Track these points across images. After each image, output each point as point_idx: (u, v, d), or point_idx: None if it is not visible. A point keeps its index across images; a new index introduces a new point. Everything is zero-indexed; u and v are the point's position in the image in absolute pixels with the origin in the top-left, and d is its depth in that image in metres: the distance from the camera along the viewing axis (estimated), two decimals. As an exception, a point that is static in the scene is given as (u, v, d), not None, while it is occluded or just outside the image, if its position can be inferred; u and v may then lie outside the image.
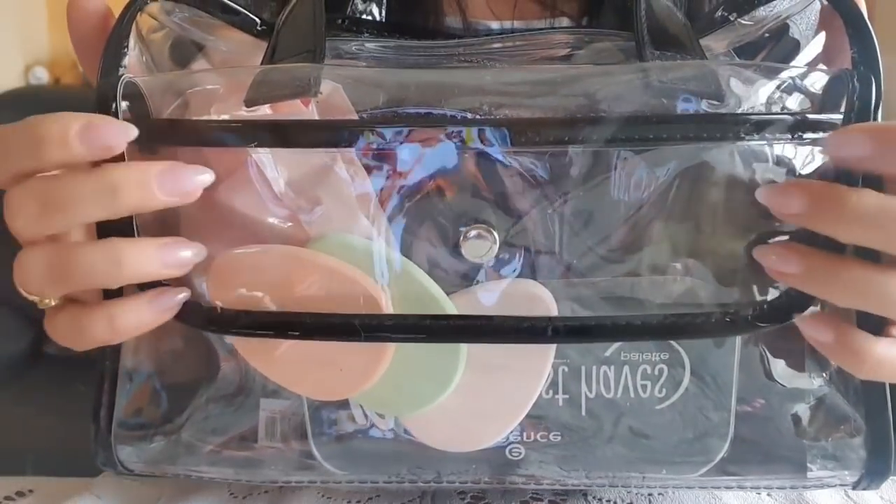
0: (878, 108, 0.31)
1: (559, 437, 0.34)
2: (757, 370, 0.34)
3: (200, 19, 0.36)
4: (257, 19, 0.36)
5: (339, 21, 0.38)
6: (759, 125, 0.29)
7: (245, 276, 0.30)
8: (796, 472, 0.34)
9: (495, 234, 0.31)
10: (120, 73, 0.32)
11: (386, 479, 0.36)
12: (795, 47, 0.36)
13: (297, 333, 0.30)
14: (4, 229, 0.32)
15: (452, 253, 0.31)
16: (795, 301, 0.30)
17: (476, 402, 0.33)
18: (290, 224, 0.31)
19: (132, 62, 0.34)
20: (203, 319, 0.31)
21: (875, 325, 0.30)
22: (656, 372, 0.33)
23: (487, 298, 0.31)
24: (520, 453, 0.34)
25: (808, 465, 0.34)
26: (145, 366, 0.36)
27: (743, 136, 0.29)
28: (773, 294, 0.31)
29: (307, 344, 0.31)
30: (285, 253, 0.30)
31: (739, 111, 0.31)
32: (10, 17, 1.66)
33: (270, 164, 0.30)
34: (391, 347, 0.31)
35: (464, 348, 0.32)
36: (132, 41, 0.33)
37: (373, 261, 0.30)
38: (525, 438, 0.34)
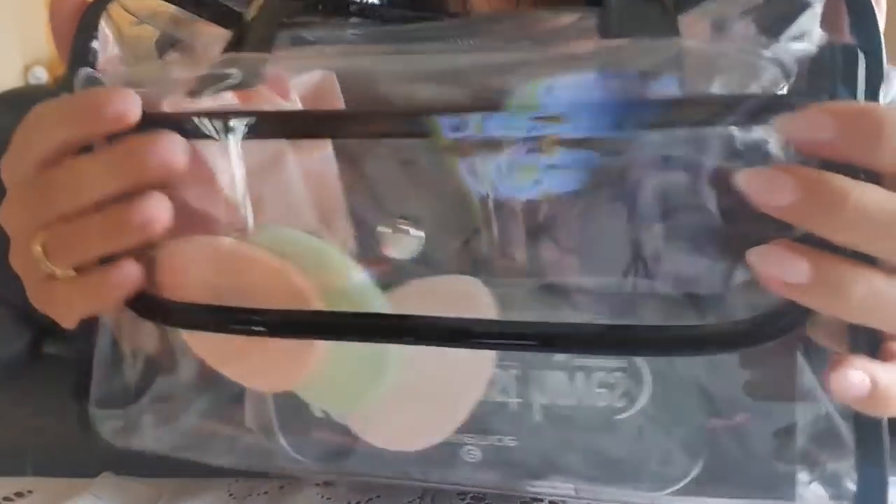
0: (877, 91, 0.26)
1: (515, 443, 0.32)
2: (737, 381, 0.31)
3: (178, 15, 0.36)
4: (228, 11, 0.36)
5: (349, 5, 0.37)
6: (726, 108, 0.26)
7: (184, 265, 0.31)
8: (780, 497, 0.31)
9: (416, 230, 0.30)
10: (86, 67, 0.32)
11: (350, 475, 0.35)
12: (802, 7, 0.31)
13: (220, 326, 0.30)
14: (4, 233, 0.33)
15: (383, 248, 0.30)
16: (790, 318, 0.26)
17: (415, 400, 0.32)
18: (233, 215, 0.31)
19: (112, 61, 0.34)
20: (141, 307, 0.31)
21: (872, 346, 0.27)
22: (613, 380, 0.31)
23: (423, 296, 0.30)
24: (475, 456, 0.33)
25: (794, 490, 0.31)
26: (115, 345, 0.36)
27: (710, 120, 0.26)
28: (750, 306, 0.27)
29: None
30: (218, 244, 0.30)
31: (695, 94, 0.28)
32: (9, 17, 1.67)
33: (221, 155, 0.30)
34: (320, 343, 0.31)
35: (395, 348, 0.31)
36: (112, 40, 0.34)
37: (309, 255, 0.30)
38: (480, 441, 0.33)
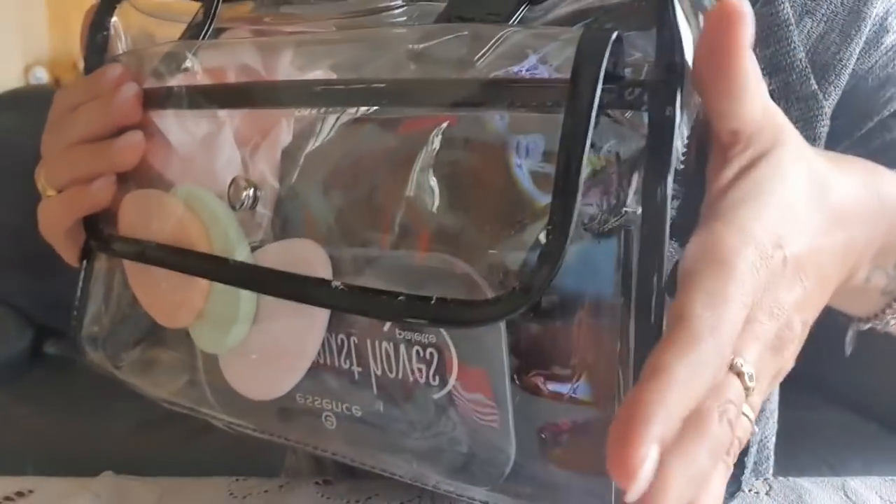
0: (677, 89, 0.21)
1: (360, 412, 0.32)
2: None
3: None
4: None
5: None
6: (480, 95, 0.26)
7: (132, 211, 0.39)
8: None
9: (248, 187, 0.34)
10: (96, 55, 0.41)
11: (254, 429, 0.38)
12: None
13: (128, 254, 0.37)
14: (5, 234, 0.34)
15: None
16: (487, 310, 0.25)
17: (264, 351, 0.34)
18: (169, 173, 0.38)
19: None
20: (93, 234, 0.39)
21: None
22: (428, 355, 0.29)
23: (277, 254, 0.33)
24: (332, 423, 0.33)
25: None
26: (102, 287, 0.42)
27: (462, 105, 0.26)
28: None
29: (149, 271, 0.37)
30: (150, 194, 0.38)
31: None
32: (10, 17, 1.67)
33: (173, 125, 0.37)
34: (201, 285, 0.35)
35: (245, 295, 0.34)
36: (122, 34, 0.41)
37: (205, 212, 0.35)
38: (335, 408, 0.32)
